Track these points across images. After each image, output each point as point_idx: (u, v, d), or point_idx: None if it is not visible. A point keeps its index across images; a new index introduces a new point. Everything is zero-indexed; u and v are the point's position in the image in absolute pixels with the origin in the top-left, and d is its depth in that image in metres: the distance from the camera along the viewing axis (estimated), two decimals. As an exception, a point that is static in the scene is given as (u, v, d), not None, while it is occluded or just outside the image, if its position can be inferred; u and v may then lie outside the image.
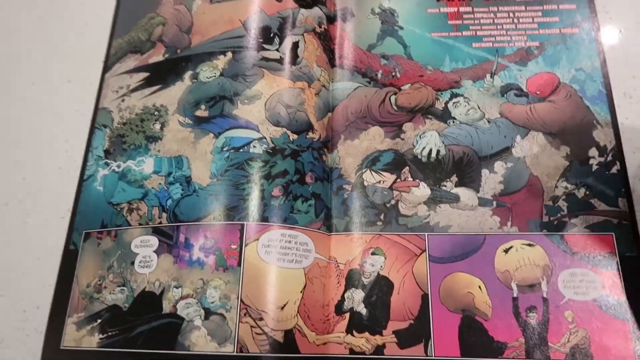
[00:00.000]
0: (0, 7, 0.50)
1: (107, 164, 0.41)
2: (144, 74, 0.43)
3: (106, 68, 0.45)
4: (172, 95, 0.41)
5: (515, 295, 0.35)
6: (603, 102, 0.39)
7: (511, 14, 0.43)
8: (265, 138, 0.37)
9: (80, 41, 0.48)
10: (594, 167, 0.37)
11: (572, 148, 0.38)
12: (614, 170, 0.37)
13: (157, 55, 0.43)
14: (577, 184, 0.37)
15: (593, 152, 0.38)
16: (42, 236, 0.41)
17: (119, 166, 0.40)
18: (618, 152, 0.38)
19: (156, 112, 0.41)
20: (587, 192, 0.37)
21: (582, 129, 0.39)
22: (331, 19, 0.44)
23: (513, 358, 0.33)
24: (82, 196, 0.40)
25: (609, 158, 0.38)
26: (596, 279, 0.35)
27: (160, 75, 0.42)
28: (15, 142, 0.44)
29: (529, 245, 0.36)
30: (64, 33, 0.48)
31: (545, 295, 0.34)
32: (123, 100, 0.42)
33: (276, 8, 0.41)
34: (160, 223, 0.37)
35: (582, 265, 0.35)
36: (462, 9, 0.43)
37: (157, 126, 0.40)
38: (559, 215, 0.36)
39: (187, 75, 0.41)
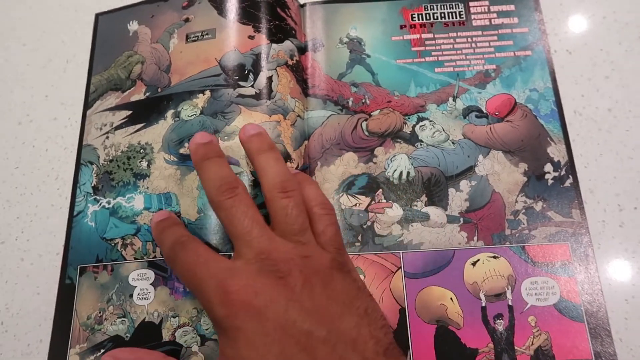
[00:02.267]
0: (-21, 48, 0.52)
1: (96, 200, 0.43)
2: (127, 112, 0.45)
3: (87, 105, 0.47)
4: (157, 133, 0.43)
5: (483, 304, 0.38)
6: (556, 120, 0.43)
7: (469, 39, 0.46)
8: (246, 172, 0.40)
9: (62, 78, 0.49)
10: (550, 182, 0.41)
11: (529, 164, 0.41)
12: (567, 183, 0.41)
13: (138, 94, 0.45)
14: (534, 198, 0.40)
15: (548, 167, 0.41)
16: (39, 272, 0.43)
17: (109, 202, 0.42)
18: (570, 166, 0.41)
19: (142, 150, 0.43)
20: (544, 206, 0.40)
21: (538, 146, 0.42)
22: (302, 50, 0.46)
23: (483, 361, 0.37)
24: (73, 232, 0.42)
25: (563, 172, 0.41)
26: (555, 285, 0.38)
27: (143, 113, 0.44)
28: (7, 181, 0.46)
29: (494, 257, 0.39)
30: (45, 70, 0.50)
31: (510, 303, 0.38)
32: (107, 138, 0.44)
33: (249, 45, 0.44)
34: (155, 257, 0.40)
35: (542, 274, 0.38)
36: (424, 36, 0.46)
37: (144, 164, 0.42)
38: (519, 227, 0.40)
39: (169, 113, 0.43)
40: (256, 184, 0.39)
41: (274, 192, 0.33)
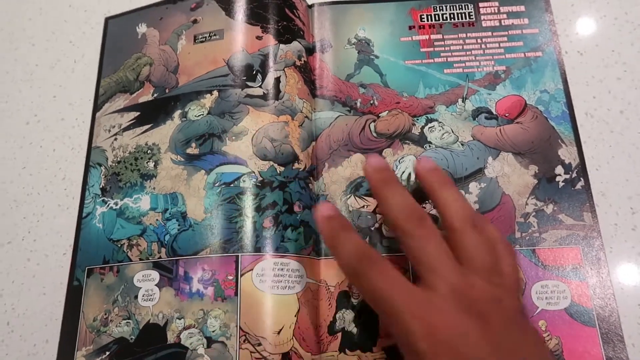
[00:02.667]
0: (-11, 49, 0.52)
1: (104, 202, 0.43)
2: (135, 113, 0.45)
3: (96, 107, 0.47)
4: (164, 133, 0.43)
5: (492, 307, 0.38)
6: (567, 121, 0.42)
7: (479, 40, 0.45)
8: (253, 172, 0.40)
9: (70, 79, 0.49)
10: (561, 184, 0.40)
11: (539, 167, 0.41)
12: (578, 186, 0.40)
13: (146, 95, 0.45)
14: (545, 200, 0.40)
15: (559, 169, 0.41)
16: (45, 273, 0.43)
17: (116, 204, 0.42)
18: (582, 169, 0.41)
19: (149, 151, 0.43)
20: (555, 208, 0.40)
21: (549, 148, 0.41)
22: (310, 51, 0.46)
23: (493, 366, 0.36)
24: (82, 233, 0.43)
25: (574, 175, 0.40)
26: (566, 289, 0.37)
27: (150, 114, 0.44)
28: (14, 181, 0.46)
29: (504, 260, 0.39)
30: (54, 71, 0.50)
31: (520, 307, 0.37)
32: (116, 139, 0.44)
33: (257, 46, 0.44)
34: (160, 258, 0.39)
35: (553, 277, 0.38)
36: (433, 37, 0.46)
37: (151, 164, 0.42)
38: (530, 230, 0.39)
39: (177, 114, 0.43)
40: (264, 184, 0.39)
41: (466, 225, 0.32)
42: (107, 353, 0.38)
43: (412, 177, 0.41)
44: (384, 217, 0.36)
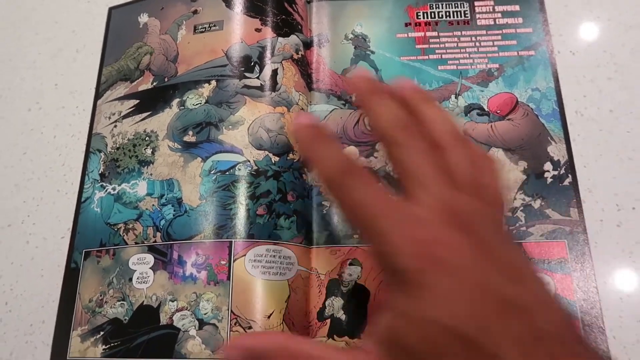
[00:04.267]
0: (-6, 36, 0.53)
1: (103, 187, 0.44)
2: (134, 101, 0.46)
3: (97, 95, 0.48)
4: (162, 121, 0.44)
5: (479, 298, 0.38)
6: (557, 119, 0.43)
7: (473, 38, 0.46)
8: (249, 161, 0.41)
9: (71, 68, 0.50)
10: (549, 180, 0.41)
11: (529, 163, 0.42)
12: (566, 182, 0.41)
13: (146, 83, 0.46)
14: (533, 195, 0.41)
15: (548, 166, 0.42)
16: (43, 255, 0.44)
17: (114, 189, 0.43)
18: (570, 166, 0.41)
19: (147, 138, 0.44)
20: (543, 204, 0.40)
21: (538, 145, 0.42)
22: (308, 45, 0.47)
23: (477, 355, 0.37)
24: (80, 217, 0.44)
25: (562, 171, 0.41)
26: (551, 282, 0.38)
27: (149, 102, 0.45)
28: (15, 166, 0.47)
29: (491, 252, 0.39)
30: (56, 60, 0.51)
31: (505, 298, 0.38)
32: (115, 126, 0.45)
33: (256, 38, 0.45)
34: (155, 242, 0.40)
35: (538, 270, 0.39)
36: (428, 34, 0.47)
37: (149, 151, 0.43)
38: (517, 224, 0.40)
39: (175, 102, 0.44)
40: (259, 173, 0.40)
41: (449, 138, 0.31)
42: (102, 333, 0.39)
43: (404, 170, 0.42)
44: (372, 127, 0.33)
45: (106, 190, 0.44)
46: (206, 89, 0.44)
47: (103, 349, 0.39)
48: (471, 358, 0.24)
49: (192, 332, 0.37)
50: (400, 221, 0.26)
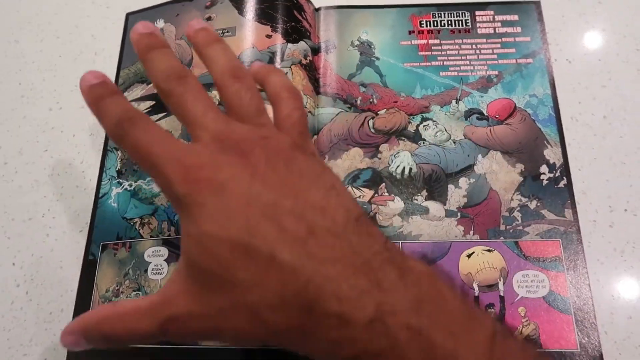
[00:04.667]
0: (18, 40, 0.56)
1: (120, 183, 0.46)
2: (150, 102, 0.48)
3: (115, 96, 0.50)
4: (176, 122, 0.46)
5: (476, 294, 0.40)
6: (553, 124, 0.45)
7: (474, 46, 0.48)
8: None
9: (90, 69, 0.53)
10: (545, 182, 0.43)
11: (526, 165, 0.44)
12: (561, 184, 0.43)
13: (162, 86, 0.48)
14: (529, 196, 0.43)
15: (544, 168, 0.43)
16: (62, 248, 0.46)
17: (130, 185, 0.46)
18: (565, 169, 0.43)
19: (162, 138, 0.46)
20: (538, 204, 0.42)
21: (535, 149, 0.44)
22: (315, 51, 0.49)
23: (474, 347, 0.39)
24: (98, 212, 0.46)
25: (557, 174, 0.43)
26: (545, 279, 0.40)
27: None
28: (36, 163, 0.49)
29: (489, 250, 0.41)
30: (76, 62, 0.54)
31: (501, 294, 0.40)
32: (132, 126, 0.48)
33: (266, 44, 0.47)
34: (169, 235, 0.43)
35: (534, 268, 0.40)
36: (431, 42, 0.49)
37: (164, 150, 0.45)
38: (514, 224, 0.42)
39: (189, 104, 0.46)
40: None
41: (225, 78, 0.32)
42: (117, 322, 0.41)
43: (406, 172, 0.44)
44: (151, 81, 0.34)
45: (123, 187, 0.46)
46: (219, 92, 0.46)
47: (118, 337, 0.41)
48: (252, 263, 0.25)
49: (204, 321, 0.39)
50: (171, 154, 0.28)
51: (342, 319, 0.24)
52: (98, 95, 0.31)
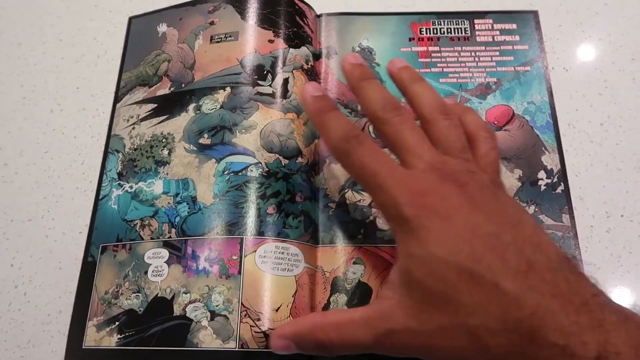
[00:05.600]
0: (21, 42, 0.56)
1: (120, 185, 0.46)
2: (152, 105, 0.48)
3: (117, 99, 0.50)
4: (178, 124, 0.46)
5: (475, 297, 0.41)
6: (550, 131, 0.46)
7: (473, 54, 0.49)
8: (260, 163, 0.43)
9: (93, 73, 0.53)
10: (542, 188, 0.44)
11: (524, 171, 0.44)
12: (558, 190, 0.43)
13: (163, 89, 0.49)
14: (527, 202, 0.43)
15: (542, 174, 0.44)
16: (62, 249, 0.46)
17: (131, 187, 0.46)
18: (562, 175, 0.44)
19: (164, 140, 0.46)
20: (536, 210, 0.43)
21: (533, 155, 0.45)
22: (317, 56, 0.50)
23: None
24: (98, 214, 0.46)
25: (555, 180, 0.44)
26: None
27: (167, 106, 0.48)
28: (36, 164, 0.49)
29: (487, 254, 0.42)
30: (78, 64, 0.54)
31: (500, 297, 0.40)
32: (133, 128, 0.48)
33: (269, 48, 0.47)
34: (170, 237, 0.43)
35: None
36: (430, 49, 0.50)
37: (165, 152, 0.46)
38: (512, 228, 0.42)
39: (191, 107, 0.47)
40: (269, 174, 0.43)
41: (435, 114, 0.34)
42: (117, 323, 0.41)
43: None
44: (364, 111, 0.37)
45: (123, 189, 0.46)
46: (221, 95, 0.46)
47: (118, 339, 0.41)
48: (476, 289, 0.27)
49: (204, 322, 0.39)
50: (398, 177, 0.31)
51: (566, 351, 0.25)
52: (322, 107, 0.35)
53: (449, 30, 0.50)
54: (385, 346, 0.30)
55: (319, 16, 0.52)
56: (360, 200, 0.44)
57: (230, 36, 0.49)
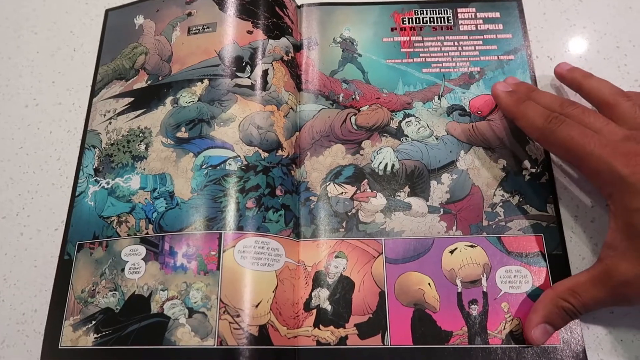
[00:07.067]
0: (-7, 36, 0.55)
1: (97, 181, 0.45)
2: (129, 99, 0.47)
3: (93, 93, 0.49)
4: (155, 118, 0.45)
5: (459, 290, 0.40)
6: (535, 120, 0.45)
7: (456, 43, 0.48)
8: (239, 156, 0.42)
9: (69, 66, 0.52)
10: (527, 178, 0.43)
11: (508, 161, 0.44)
12: (543, 180, 0.43)
13: (140, 82, 0.48)
14: (512, 192, 0.43)
15: (526, 164, 0.43)
16: (37, 246, 0.45)
17: (108, 183, 0.45)
18: (547, 164, 0.43)
19: (141, 134, 0.45)
20: (521, 200, 0.42)
21: (517, 144, 0.44)
22: (297, 48, 0.49)
23: (458, 344, 0.38)
24: (74, 211, 0.45)
25: (539, 169, 0.43)
26: (528, 274, 0.40)
27: (144, 100, 0.47)
28: (11, 160, 0.48)
29: (471, 246, 0.41)
30: (54, 58, 0.53)
31: (485, 290, 0.39)
32: (110, 123, 0.47)
33: (247, 40, 0.46)
34: (147, 234, 0.42)
35: (516, 263, 0.40)
36: (413, 38, 0.49)
37: (142, 147, 0.45)
38: (496, 219, 0.42)
39: (169, 100, 0.46)
40: (248, 168, 0.42)
41: (617, 96, 0.39)
42: (94, 322, 0.40)
43: (389, 168, 0.44)
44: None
45: (100, 185, 0.45)
46: (199, 88, 0.45)
47: (95, 338, 0.40)
48: None
49: (182, 320, 0.38)
50: (606, 145, 0.35)
51: None
52: (516, 100, 0.41)
53: (431, 20, 0.49)
54: (621, 297, 0.34)
55: (299, 7, 0.51)
56: (342, 193, 0.43)
57: (208, 27, 0.47)
